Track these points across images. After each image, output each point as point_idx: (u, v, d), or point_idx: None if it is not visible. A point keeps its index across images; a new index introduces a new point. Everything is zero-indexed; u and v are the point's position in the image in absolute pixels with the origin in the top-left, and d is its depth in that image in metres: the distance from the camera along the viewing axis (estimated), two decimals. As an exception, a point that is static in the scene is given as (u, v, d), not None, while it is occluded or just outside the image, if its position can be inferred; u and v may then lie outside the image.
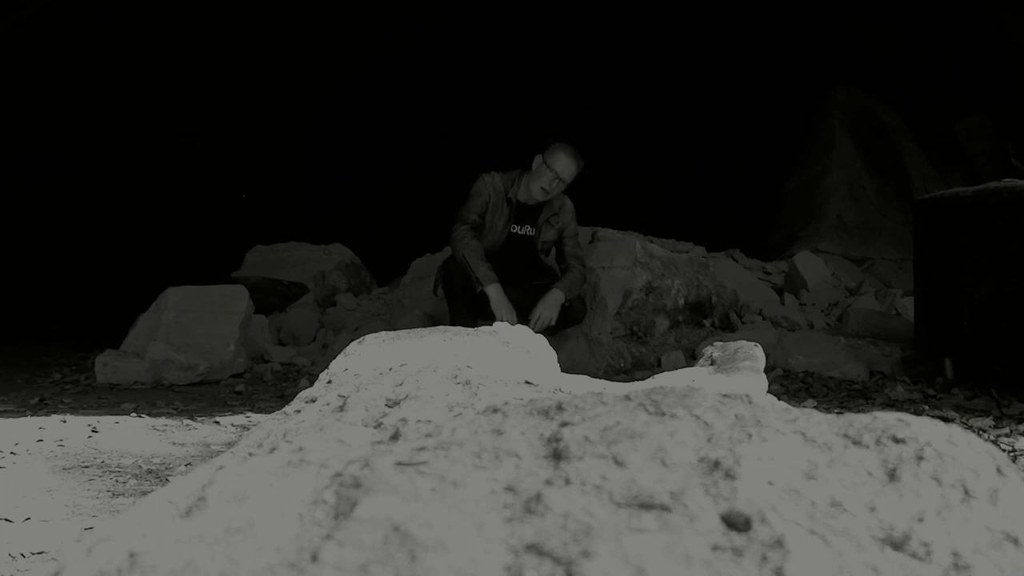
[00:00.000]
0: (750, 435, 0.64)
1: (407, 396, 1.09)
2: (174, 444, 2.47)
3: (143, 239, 9.17)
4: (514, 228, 3.82)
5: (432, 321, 4.34)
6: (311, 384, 1.46)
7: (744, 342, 1.63)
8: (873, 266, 6.45)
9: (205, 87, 9.29)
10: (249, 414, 3.00)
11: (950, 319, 3.40)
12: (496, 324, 1.65)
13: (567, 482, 0.57)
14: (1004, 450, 2.34)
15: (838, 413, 0.73)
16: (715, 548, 0.51)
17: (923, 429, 0.66)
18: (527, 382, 1.18)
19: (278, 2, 9.06)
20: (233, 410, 3.10)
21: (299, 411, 1.15)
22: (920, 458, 0.63)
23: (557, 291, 3.68)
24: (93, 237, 9.14)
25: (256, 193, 9.48)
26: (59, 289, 8.11)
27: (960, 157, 7.62)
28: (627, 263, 4.28)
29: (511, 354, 1.40)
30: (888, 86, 7.77)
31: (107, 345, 4.08)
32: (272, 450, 0.67)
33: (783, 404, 0.74)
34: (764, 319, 4.71)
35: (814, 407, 2.68)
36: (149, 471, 2.14)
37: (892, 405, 3.10)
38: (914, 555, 0.54)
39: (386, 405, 1.08)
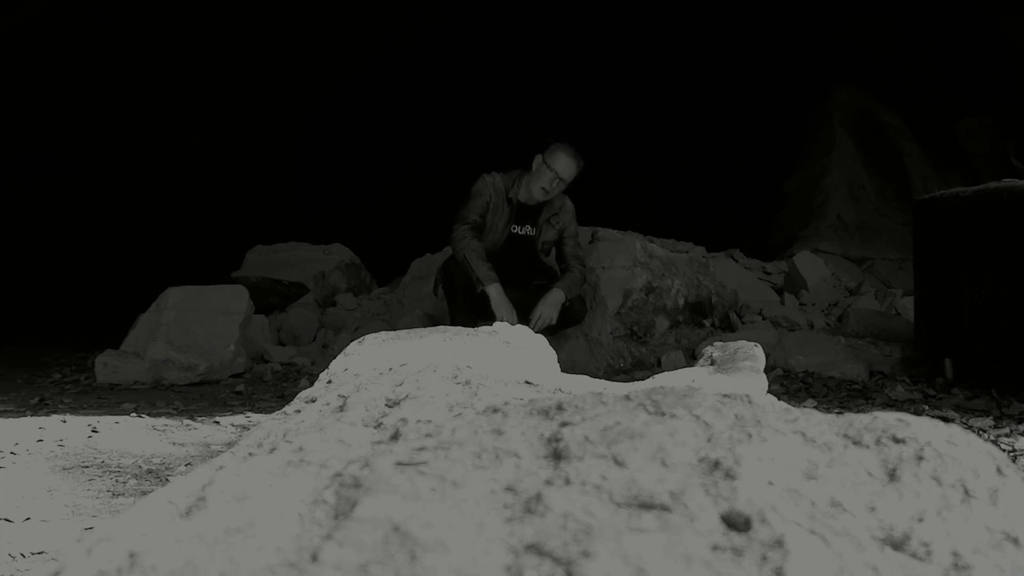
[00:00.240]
0: (750, 435, 0.64)
1: (407, 396, 1.09)
2: (174, 444, 2.47)
3: (143, 239, 9.17)
4: (514, 228, 3.82)
5: (432, 321, 4.34)
6: (311, 384, 1.46)
7: (744, 342, 1.63)
8: (873, 266, 6.45)
9: (205, 87, 9.29)
10: (249, 414, 3.00)
11: (950, 319, 3.40)
12: (496, 324, 1.65)
13: (567, 482, 0.57)
14: (1004, 450, 2.34)
15: (838, 413, 0.73)
16: (715, 548, 0.51)
17: (923, 429, 0.66)
18: (527, 382, 1.18)
19: (278, 2, 9.06)
20: (233, 410, 3.10)
21: (299, 411, 1.15)
22: (920, 458, 0.63)
23: (557, 291, 3.68)
24: (93, 237, 9.14)
25: (256, 193, 9.47)
26: (59, 289, 8.11)
27: (960, 157, 7.62)
28: (627, 263, 4.29)
29: (511, 354, 1.40)
30: (888, 86, 7.76)
31: (107, 345, 4.08)
32: (272, 450, 0.67)
33: (783, 404, 0.74)
34: (764, 319, 4.71)
35: (814, 407, 2.68)
36: (149, 471, 2.14)
37: (892, 405, 3.10)
38: (914, 555, 0.54)
39: (386, 405, 1.08)
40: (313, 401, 1.17)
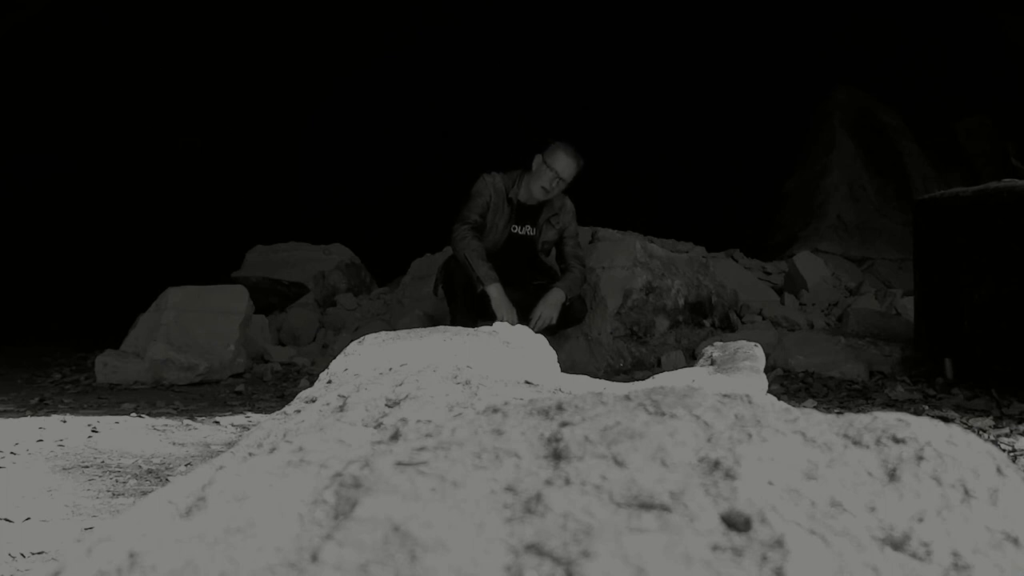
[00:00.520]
0: (750, 435, 0.64)
1: (407, 396, 1.09)
2: (174, 444, 2.47)
3: (143, 239, 9.17)
4: (515, 228, 3.82)
5: (432, 321, 4.34)
6: (311, 384, 1.46)
7: (744, 342, 1.63)
8: (873, 266, 6.45)
9: (205, 87, 9.29)
10: (249, 414, 3.00)
11: (950, 319, 3.40)
12: (496, 324, 1.65)
13: (567, 482, 0.57)
14: (1004, 450, 2.34)
15: (838, 413, 0.73)
16: (715, 548, 0.51)
17: (923, 429, 0.66)
18: (527, 382, 1.18)
19: (278, 2, 9.06)
20: (233, 410, 3.10)
21: (299, 411, 1.15)
22: (920, 458, 0.63)
23: (558, 291, 3.68)
24: (93, 237, 9.14)
25: (256, 193, 9.47)
26: (59, 289, 8.11)
27: (960, 157, 7.62)
28: (627, 263, 4.29)
29: (511, 354, 1.40)
30: (888, 86, 7.76)
31: (107, 345, 4.08)
32: (272, 450, 0.67)
33: (783, 404, 0.74)
34: (764, 319, 4.71)
35: (814, 407, 2.68)
36: (149, 471, 2.14)
37: (892, 405, 3.10)
38: (914, 555, 0.54)
39: (386, 405, 1.08)
40: (313, 401, 1.17)
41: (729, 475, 0.58)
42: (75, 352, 4.88)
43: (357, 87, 9.71)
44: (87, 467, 2.15)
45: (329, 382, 1.24)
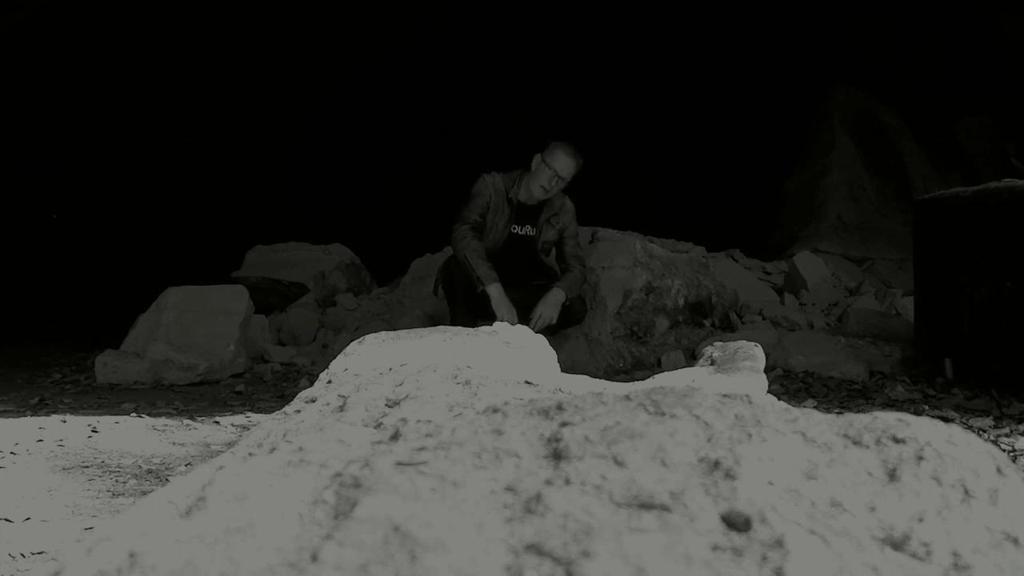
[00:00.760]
0: (750, 435, 0.64)
1: (407, 396, 1.09)
2: (174, 444, 2.47)
3: (143, 239, 9.17)
4: (515, 228, 3.82)
5: (432, 321, 4.34)
6: (311, 384, 1.46)
7: (744, 342, 1.63)
8: (873, 266, 6.45)
9: (205, 87, 9.29)
10: (249, 414, 3.00)
11: (950, 319, 3.40)
12: (496, 324, 1.65)
13: (567, 482, 0.57)
14: (1004, 450, 2.34)
15: (838, 413, 0.73)
16: (715, 548, 0.51)
17: (923, 429, 0.66)
18: (527, 382, 1.18)
19: (278, 2, 9.06)
20: (233, 410, 3.10)
21: (299, 411, 1.15)
22: (920, 458, 0.63)
23: (558, 290, 3.68)
24: (93, 237, 9.14)
25: (256, 193, 9.47)
26: (59, 289, 8.11)
27: (960, 157, 7.62)
28: (627, 263, 4.29)
29: (511, 354, 1.40)
30: (888, 86, 7.76)
31: (107, 345, 4.08)
32: (272, 450, 0.67)
33: (783, 404, 0.74)
34: (764, 319, 4.71)
35: (814, 407, 2.68)
36: (149, 471, 2.14)
37: (892, 405, 3.10)
38: (914, 555, 0.54)
39: (386, 405, 1.08)
40: (313, 401, 1.17)
41: (729, 475, 0.58)
42: (75, 352, 4.88)
43: (357, 87, 9.71)
44: (87, 467, 2.15)
45: (329, 382, 1.24)
